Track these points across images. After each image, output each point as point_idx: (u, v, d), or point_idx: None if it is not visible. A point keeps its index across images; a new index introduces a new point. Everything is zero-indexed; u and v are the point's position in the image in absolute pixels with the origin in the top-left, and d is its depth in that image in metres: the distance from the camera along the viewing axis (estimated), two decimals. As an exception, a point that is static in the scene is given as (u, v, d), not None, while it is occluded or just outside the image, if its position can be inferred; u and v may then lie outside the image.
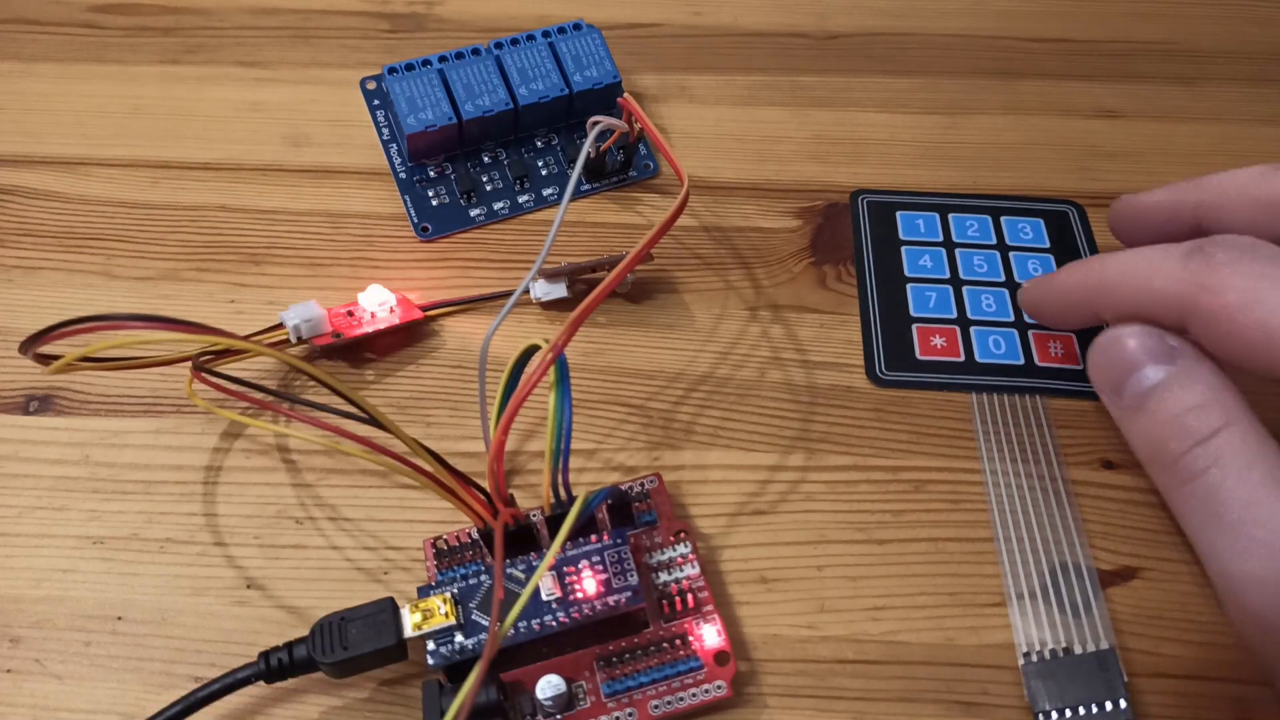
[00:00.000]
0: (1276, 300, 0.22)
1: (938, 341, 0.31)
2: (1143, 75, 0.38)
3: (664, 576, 0.27)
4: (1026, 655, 0.25)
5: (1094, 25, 0.40)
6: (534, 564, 0.25)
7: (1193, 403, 0.23)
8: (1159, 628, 0.26)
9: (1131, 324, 0.25)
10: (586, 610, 0.25)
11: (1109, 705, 0.25)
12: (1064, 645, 0.26)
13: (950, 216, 0.34)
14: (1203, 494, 0.23)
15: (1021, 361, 0.31)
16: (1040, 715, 0.25)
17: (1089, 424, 0.30)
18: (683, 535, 0.27)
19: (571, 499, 0.25)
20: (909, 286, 0.32)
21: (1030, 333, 0.31)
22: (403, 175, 0.35)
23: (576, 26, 0.35)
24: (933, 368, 0.31)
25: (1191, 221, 0.27)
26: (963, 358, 0.31)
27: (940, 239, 0.33)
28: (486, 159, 0.35)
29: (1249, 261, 0.23)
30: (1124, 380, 0.24)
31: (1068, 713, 0.25)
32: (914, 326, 0.32)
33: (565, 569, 0.25)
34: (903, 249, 0.33)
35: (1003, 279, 0.32)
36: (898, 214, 0.34)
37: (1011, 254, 0.33)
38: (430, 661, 0.24)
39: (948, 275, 0.33)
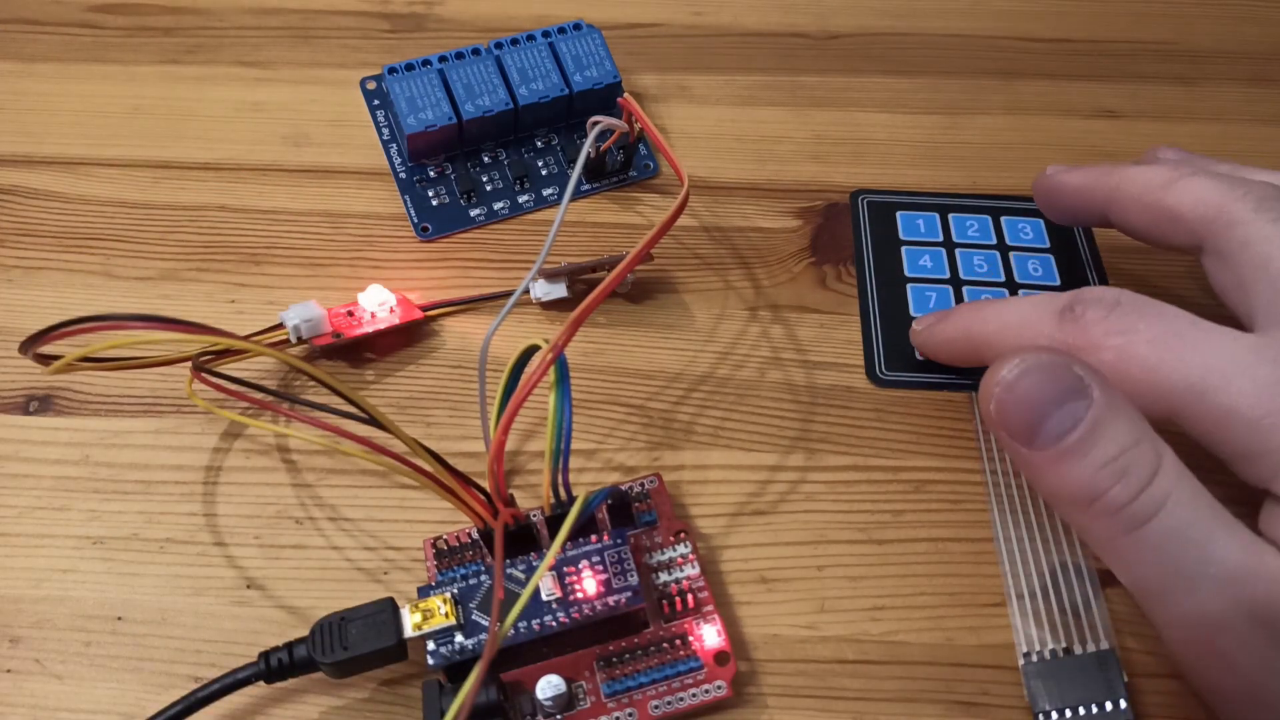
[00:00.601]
0: (1148, 354, 0.23)
1: None
2: (1143, 75, 0.38)
3: (664, 576, 0.27)
4: (1026, 655, 0.25)
5: (1094, 25, 0.40)
6: (534, 564, 0.25)
7: (1125, 442, 0.21)
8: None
9: (1028, 356, 0.22)
10: (586, 610, 0.25)
11: (1109, 705, 0.24)
12: (1064, 645, 0.26)
13: (950, 217, 0.34)
14: (1156, 539, 0.21)
15: (1021, 361, 0.31)
16: (1040, 715, 0.25)
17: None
18: (683, 535, 0.27)
19: (571, 499, 0.25)
20: (909, 287, 0.32)
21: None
22: (403, 175, 0.35)
23: (576, 26, 0.35)
24: (933, 368, 0.31)
25: (1100, 211, 0.28)
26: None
27: (940, 239, 0.33)
28: (486, 159, 0.35)
29: (1117, 317, 0.23)
30: (1037, 427, 0.22)
31: (1068, 713, 0.25)
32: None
33: (565, 569, 0.25)
34: (903, 249, 0.33)
35: (1003, 279, 0.32)
36: (898, 214, 0.34)
37: (1012, 254, 0.33)
38: (430, 661, 0.24)
39: (948, 275, 0.33)
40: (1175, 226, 0.26)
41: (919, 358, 0.31)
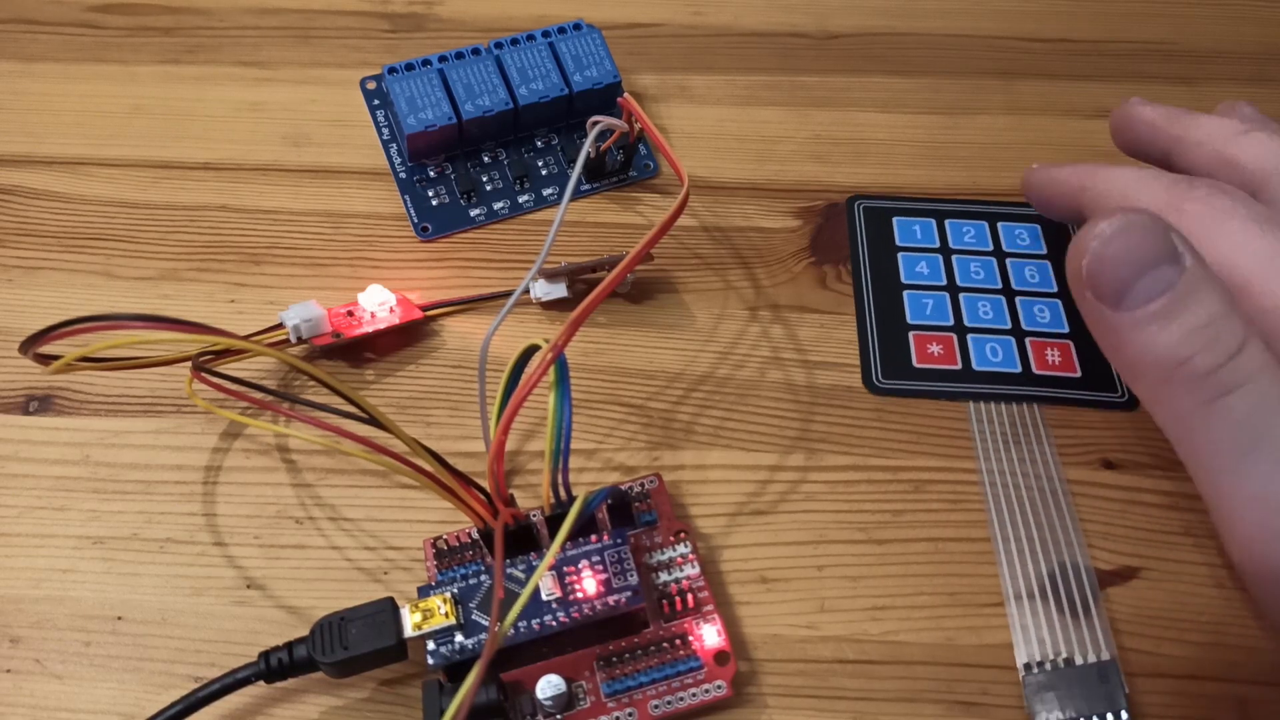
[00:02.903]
0: (1236, 229, 0.24)
1: (935, 349, 0.31)
2: (1143, 75, 0.38)
3: (664, 576, 0.27)
4: (1027, 667, 0.25)
5: (1094, 25, 0.40)
6: (534, 564, 0.25)
7: (1215, 311, 0.21)
8: (1159, 628, 0.26)
9: (1128, 215, 0.22)
10: (586, 610, 0.25)
11: (1110, 717, 0.24)
12: (1065, 655, 0.25)
13: (947, 222, 0.34)
14: (1241, 412, 0.21)
15: (1019, 369, 0.31)
16: None
17: (1088, 424, 0.30)
18: (683, 535, 0.27)
19: (571, 499, 0.25)
20: (905, 293, 0.32)
21: (1027, 340, 0.31)
22: (403, 175, 0.35)
23: (576, 26, 0.35)
24: (930, 376, 0.31)
25: (1164, 149, 0.29)
26: (960, 365, 0.31)
27: (937, 245, 0.33)
28: (486, 159, 0.35)
29: (1223, 196, 0.24)
30: (1126, 288, 0.22)
31: None
32: (911, 334, 0.31)
33: (565, 569, 0.25)
34: (899, 255, 0.33)
35: (999, 286, 0.32)
36: (894, 220, 0.34)
37: (1008, 260, 0.33)
38: (430, 661, 0.24)
39: (944, 282, 0.32)
40: (1232, 173, 0.26)
41: (1024, 326, 0.31)
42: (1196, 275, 0.21)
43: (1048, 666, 0.25)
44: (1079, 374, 0.30)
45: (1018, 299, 0.32)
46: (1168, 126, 0.29)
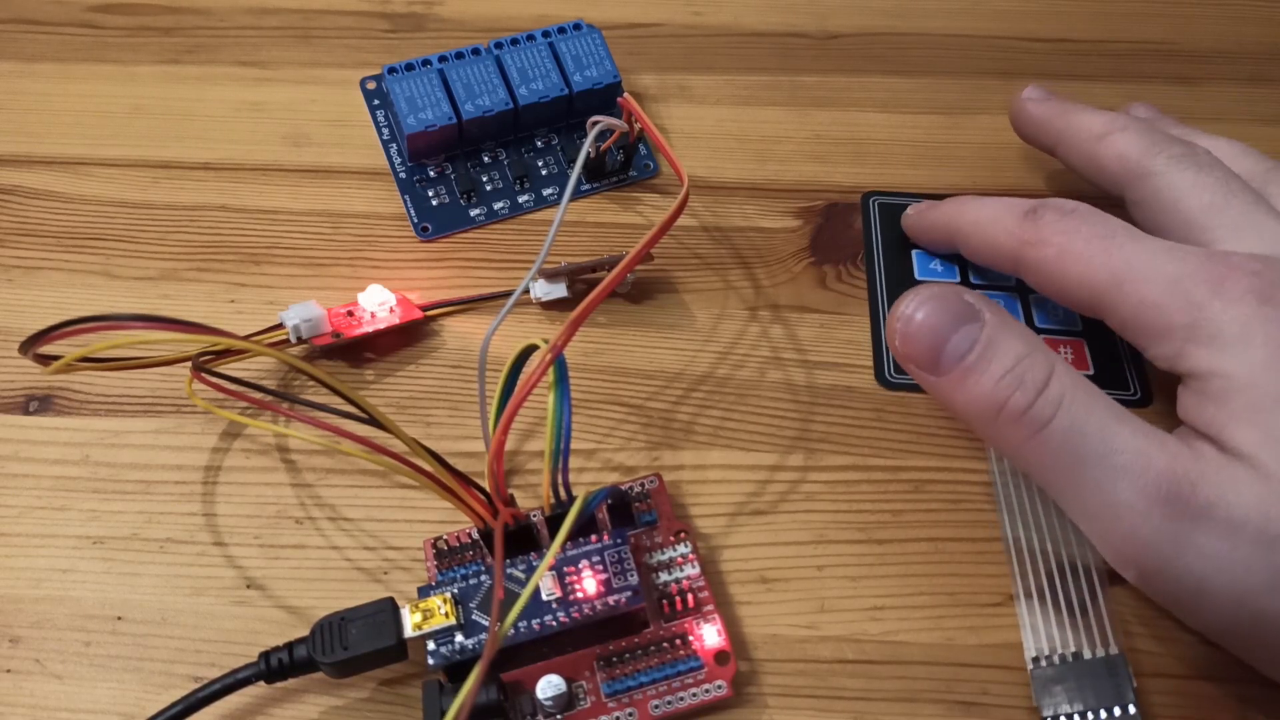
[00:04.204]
0: (1081, 249, 0.26)
1: None
2: (1143, 75, 0.38)
3: (664, 576, 0.27)
4: (1035, 660, 0.25)
5: (1094, 25, 0.40)
6: (534, 564, 0.25)
7: (1018, 353, 0.24)
8: (1164, 628, 0.26)
9: (921, 291, 0.25)
10: (586, 610, 0.25)
11: (1117, 711, 0.24)
12: (1073, 650, 0.25)
13: None
14: (1060, 438, 0.23)
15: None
16: (1048, 719, 0.25)
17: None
18: (683, 535, 0.27)
19: (571, 499, 0.25)
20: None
21: (1040, 337, 0.31)
22: (403, 175, 0.35)
23: (576, 26, 0.35)
24: None
25: (1052, 145, 0.32)
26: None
27: None
28: (486, 159, 0.35)
29: (1066, 220, 0.26)
30: (938, 353, 0.25)
31: (1076, 719, 0.25)
32: None
33: (565, 569, 0.25)
34: (913, 252, 0.33)
35: (1013, 282, 0.32)
36: None
37: None
38: (430, 661, 0.24)
39: (958, 279, 0.33)
40: (1101, 174, 0.30)
41: (1037, 323, 0.32)
42: (995, 327, 0.24)
43: (1055, 660, 0.25)
44: (1091, 371, 0.31)
45: (1030, 296, 0.32)
46: (1051, 124, 0.32)
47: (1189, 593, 0.23)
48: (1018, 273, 0.28)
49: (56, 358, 0.26)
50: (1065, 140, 0.31)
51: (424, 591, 0.25)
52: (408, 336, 0.31)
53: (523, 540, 0.26)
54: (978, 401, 0.24)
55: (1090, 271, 0.26)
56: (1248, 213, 0.26)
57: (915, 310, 0.25)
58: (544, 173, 0.35)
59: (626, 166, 0.35)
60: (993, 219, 0.29)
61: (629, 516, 0.27)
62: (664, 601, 0.26)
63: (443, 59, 0.34)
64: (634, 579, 0.25)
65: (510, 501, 0.26)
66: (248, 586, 0.27)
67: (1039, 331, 0.31)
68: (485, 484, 0.26)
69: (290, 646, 0.24)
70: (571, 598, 0.25)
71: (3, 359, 0.31)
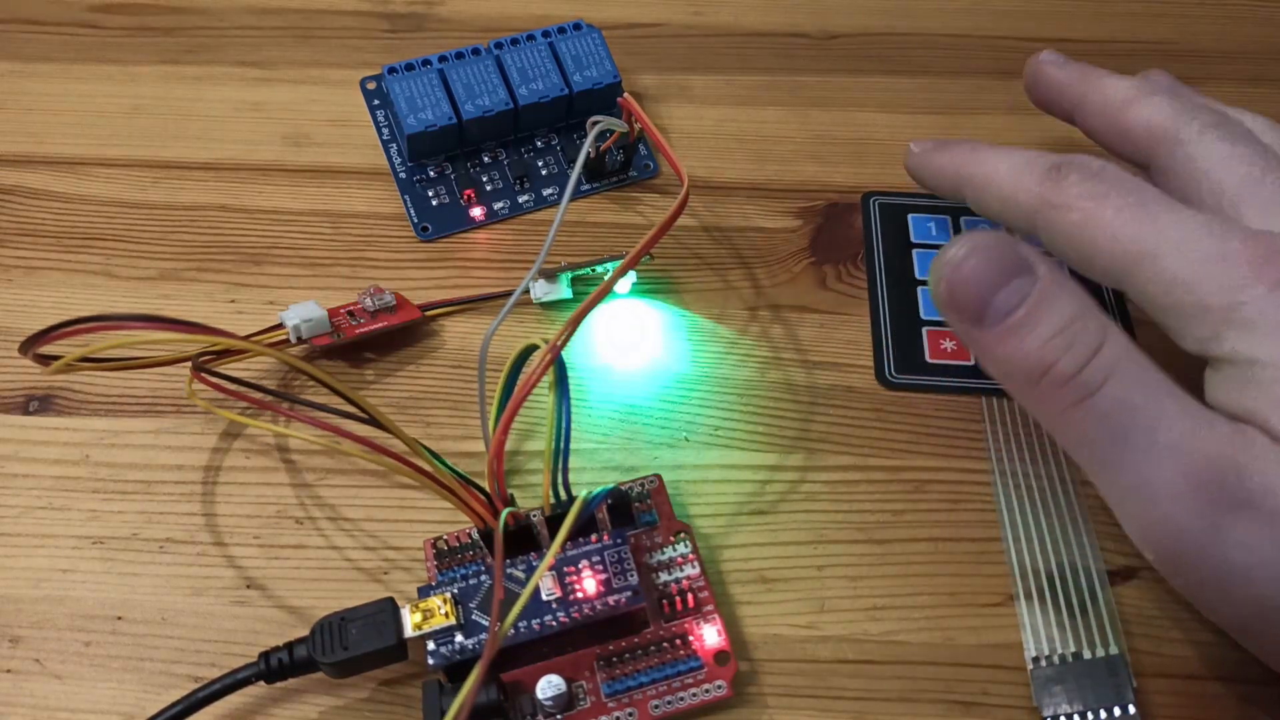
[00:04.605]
0: (1110, 218, 0.24)
1: (947, 345, 0.31)
2: (1143, 75, 0.38)
3: (664, 576, 0.27)
4: (1035, 660, 0.25)
5: (1094, 25, 0.40)
6: (534, 564, 0.25)
7: (1071, 314, 0.23)
8: (1164, 628, 0.26)
9: (974, 237, 0.23)
10: (586, 610, 0.25)
11: (1117, 711, 0.24)
12: (1073, 650, 0.25)
13: (962, 219, 0.34)
14: (1105, 408, 0.22)
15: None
16: (1048, 719, 0.25)
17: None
18: (683, 535, 0.27)
19: (571, 499, 0.25)
20: (919, 289, 0.32)
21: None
22: (403, 175, 0.35)
23: (576, 26, 0.35)
24: (942, 371, 0.31)
25: (1069, 110, 0.30)
26: (972, 361, 0.31)
27: None
28: (486, 159, 0.35)
29: (1094, 183, 0.24)
30: (984, 305, 0.23)
31: (1076, 719, 0.25)
32: (924, 330, 0.31)
33: (565, 569, 0.25)
34: (913, 251, 0.33)
35: None
36: (909, 216, 0.34)
37: None
38: (430, 661, 0.24)
39: None
40: (1126, 141, 0.28)
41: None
42: (1049, 283, 0.23)
43: (1055, 660, 0.25)
44: None
45: None
46: (1071, 89, 0.30)
47: (1219, 583, 0.22)
48: (1034, 233, 0.26)
49: (56, 358, 0.26)
50: (1086, 105, 0.29)
51: (424, 591, 0.25)
52: (408, 336, 0.31)
53: (523, 540, 0.26)
54: (1022, 361, 0.23)
55: (1119, 242, 0.24)
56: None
57: (966, 256, 0.23)
58: (544, 173, 0.35)
59: (626, 166, 0.35)
60: (1011, 174, 0.26)
61: (629, 516, 0.27)
62: (664, 601, 0.26)
63: (443, 59, 0.34)
64: (634, 579, 0.25)
65: (510, 501, 0.26)
66: (248, 586, 0.27)
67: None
68: (485, 484, 0.26)
69: (290, 646, 0.24)
70: (571, 598, 0.25)
71: (3, 359, 0.31)
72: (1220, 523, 0.21)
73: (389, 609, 0.24)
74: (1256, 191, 0.24)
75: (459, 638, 0.24)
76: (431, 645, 0.24)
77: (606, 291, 0.26)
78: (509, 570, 0.25)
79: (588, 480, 0.29)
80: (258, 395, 0.28)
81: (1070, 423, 0.23)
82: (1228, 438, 0.22)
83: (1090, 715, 0.25)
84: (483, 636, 0.24)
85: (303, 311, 0.30)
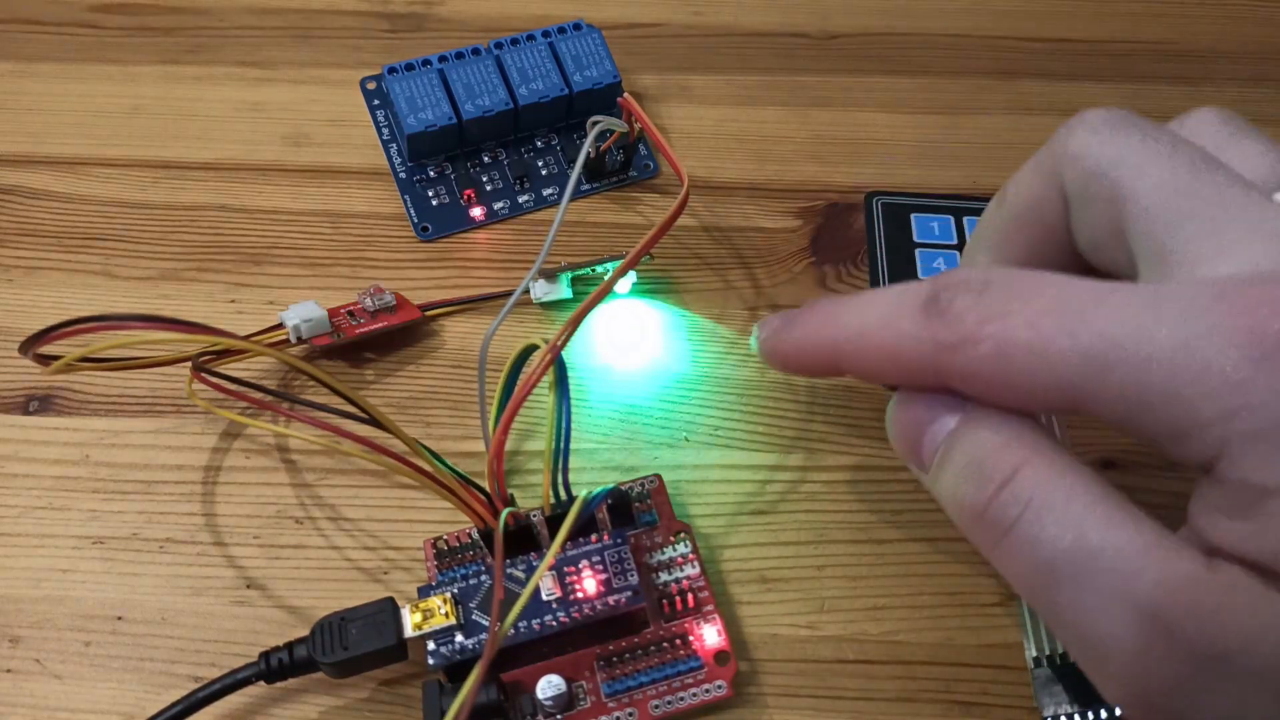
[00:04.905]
0: (1030, 336, 0.18)
1: None
2: (1143, 75, 0.38)
3: (664, 576, 0.27)
4: (1035, 660, 0.25)
5: (1094, 25, 0.40)
6: (534, 564, 0.25)
7: (990, 441, 0.19)
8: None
9: (900, 391, 0.21)
10: (587, 610, 0.25)
11: (1118, 710, 0.24)
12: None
13: (965, 219, 0.34)
14: (1024, 547, 0.19)
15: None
16: (1048, 719, 0.25)
17: (1089, 424, 0.30)
18: (683, 535, 0.27)
19: (571, 499, 0.25)
20: None
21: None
22: (403, 175, 0.35)
23: (576, 26, 0.35)
24: None
25: (831, 364, 0.22)
26: None
27: (955, 241, 0.33)
28: (486, 159, 0.35)
29: (988, 300, 0.19)
30: (920, 444, 0.21)
31: (1076, 719, 0.25)
32: None
33: (565, 569, 0.25)
34: (916, 251, 0.33)
35: None
36: (912, 216, 0.34)
37: None
38: (430, 661, 0.24)
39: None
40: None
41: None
42: (973, 415, 0.20)
43: (1056, 660, 0.25)
44: None
45: None
46: (819, 343, 0.22)
47: None
48: (944, 386, 0.20)
49: (56, 358, 0.26)
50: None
51: (424, 591, 0.25)
52: (408, 336, 0.31)
53: (523, 540, 0.26)
54: (946, 497, 0.20)
55: (1052, 363, 0.18)
56: (1220, 194, 0.19)
57: (896, 404, 0.21)
58: (544, 173, 0.35)
59: (626, 166, 0.35)
60: (881, 324, 0.20)
61: (629, 516, 0.27)
62: (664, 601, 0.26)
63: (443, 59, 0.34)
64: (634, 579, 0.25)
65: (510, 501, 0.26)
66: (248, 586, 0.27)
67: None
68: (485, 484, 0.26)
69: (290, 646, 0.24)
70: (571, 598, 0.25)
71: (3, 359, 0.31)
72: (1203, 684, 0.17)
73: (389, 609, 0.24)
74: (1189, 208, 0.19)
75: (459, 638, 0.24)
76: (431, 645, 0.24)
77: (606, 291, 0.26)
78: (509, 570, 0.25)
79: (588, 480, 0.29)
80: (258, 395, 0.28)
81: (1000, 563, 0.19)
82: (1195, 577, 0.17)
83: (1090, 715, 0.25)
84: (483, 636, 0.24)
85: (303, 311, 0.30)
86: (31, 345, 0.25)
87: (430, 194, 0.34)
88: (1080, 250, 0.22)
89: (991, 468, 0.19)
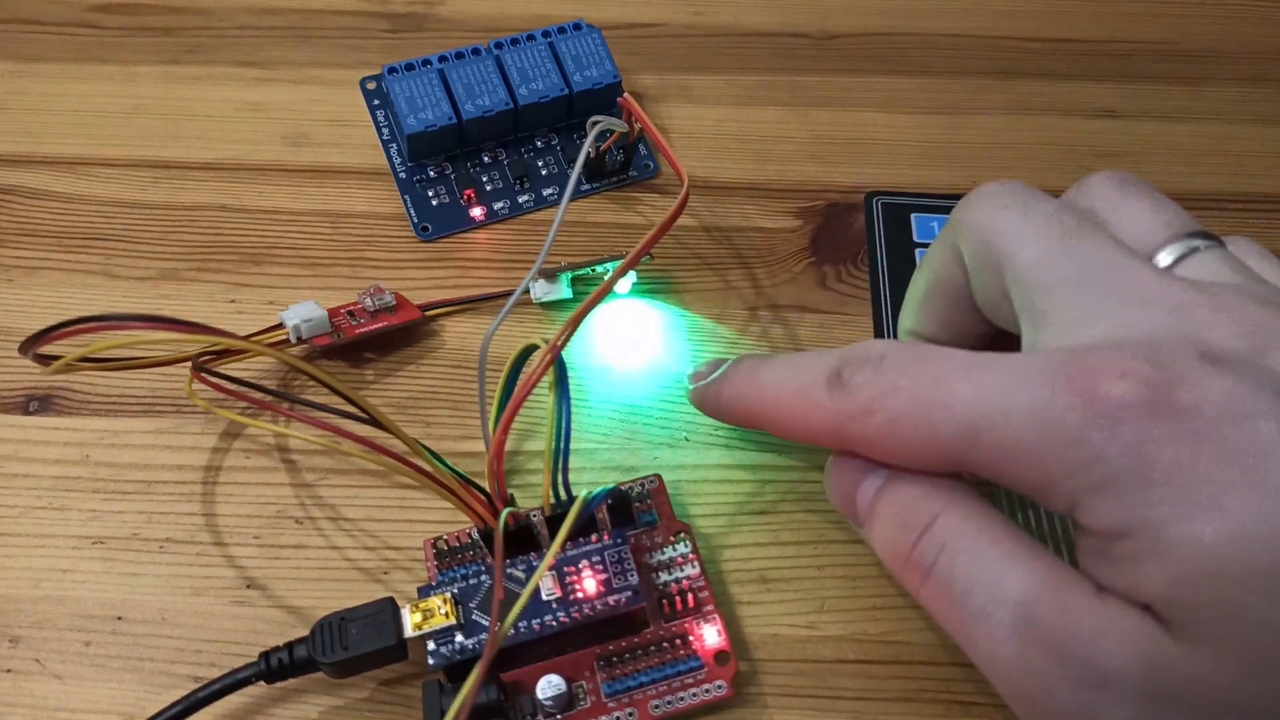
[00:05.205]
0: (913, 409, 0.21)
1: None
2: (1143, 75, 0.38)
3: (664, 576, 0.27)
4: None
5: (1094, 25, 0.40)
6: (534, 564, 0.25)
7: (910, 495, 0.22)
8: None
9: (833, 455, 0.24)
10: (587, 610, 0.25)
11: None
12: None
13: None
14: (942, 586, 0.21)
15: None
16: None
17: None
18: (683, 535, 0.27)
19: (571, 499, 0.25)
20: None
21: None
22: (403, 175, 0.35)
23: (576, 26, 0.35)
24: None
25: (753, 425, 0.25)
26: None
27: None
28: (486, 159, 0.35)
29: (881, 376, 0.21)
30: (854, 500, 0.23)
31: None
32: None
33: (565, 569, 0.25)
34: (916, 251, 0.33)
35: None
36: (912, 216, 0.34)
37: None
38: (430, 661, 0.24)
39: None
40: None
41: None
42: (893, 476, 0.22)
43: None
44: None
45: None
46: (738, 412, 0.26)
47: None
48: (851, 450, 0.23)
49: (56, 358, 0.26)
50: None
51: (424, 591, 0.25)
52: (408, 336, 0.31)
53: (523, 540, 0.26)
54: (876, 546, 0.23)
55: (933, 433, 0.20)
56: (1089, 260, 0.21)
57: (830, 467, 0.24)
58: (544, 173, 0.35)
59: (626, 166, 0.35)
60: (795, 396, 0.23)
61: (629, 516, 0.27)
62: (664, 601, 0.26)
63: (443, 59, 0.34)
64: (634, 579, 0.25)
65: (510, 501, 0.26)
66: (248, 586, 0.27)
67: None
68: (485, 484, 0.26)
69: (290, 646, 0.24)
70: (571, 598, 0.25)
71: (3, 359, 0.31)
72: (1093, 706, 0.19)
73: (389, 609, 0.24)
74: (1058, 270, 0.21)
75: (459, 638, 0.24)
76: (431, 645, 0.24)
77: (606, 291, 0.26)
78: (509, 570, 0.25)
79: (588, 480, 0.29)
80: (258, 395, 0.28)
81: (926, 603, 0.22)
82: (1081, 608, 0.19)
83: None
84: (483, 636, 0.24)
85: (303, 311, 0.30)
86: (31, 345, 0.25)
87: (430, 194, 0.34)
88: (982, 311, 0.24)
89: (913, 518, 0.21)
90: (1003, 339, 0.24)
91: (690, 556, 0.27)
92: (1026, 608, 0.19)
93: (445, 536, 0.27)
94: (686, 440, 0.30)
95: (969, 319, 0.25)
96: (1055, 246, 0.21)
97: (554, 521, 0.26)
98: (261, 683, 0.24)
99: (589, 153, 0.30)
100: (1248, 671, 0.18)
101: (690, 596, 0.26)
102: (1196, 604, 0.18)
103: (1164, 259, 0.22)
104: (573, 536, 0.25)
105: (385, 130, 0.35)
